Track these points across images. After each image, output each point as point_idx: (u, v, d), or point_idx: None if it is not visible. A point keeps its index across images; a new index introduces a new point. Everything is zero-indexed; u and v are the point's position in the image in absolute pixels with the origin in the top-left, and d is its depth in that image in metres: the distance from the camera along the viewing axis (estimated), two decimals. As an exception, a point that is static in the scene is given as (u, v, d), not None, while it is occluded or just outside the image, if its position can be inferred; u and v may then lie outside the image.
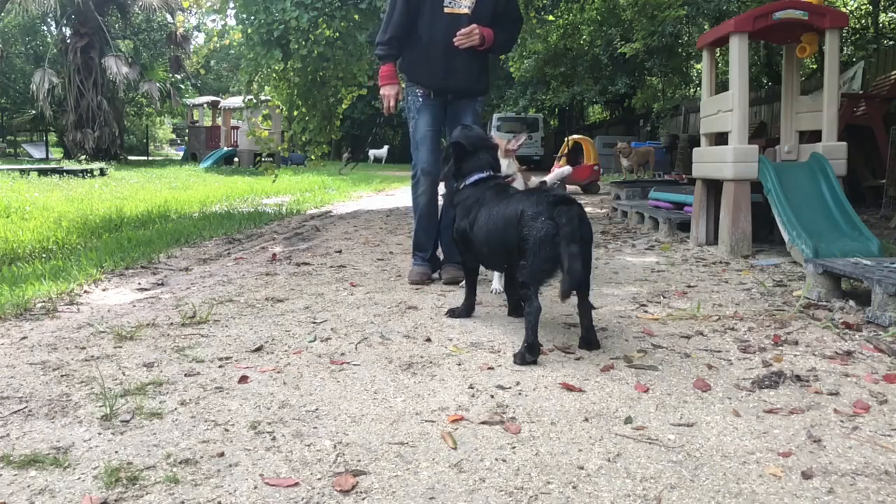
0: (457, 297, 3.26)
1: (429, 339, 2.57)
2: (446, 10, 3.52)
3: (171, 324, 2.78)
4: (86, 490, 1.43)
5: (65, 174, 12.85)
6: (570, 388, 2.04)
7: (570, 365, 2.27)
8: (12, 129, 29.76)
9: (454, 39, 3.49)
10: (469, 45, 3.51)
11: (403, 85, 3.87)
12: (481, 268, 2.96)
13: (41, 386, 2.05)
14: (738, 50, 4.38)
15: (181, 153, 32.92)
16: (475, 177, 2.85)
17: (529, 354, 2.26)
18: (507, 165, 3.41)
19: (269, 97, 9.40)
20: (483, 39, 3.52)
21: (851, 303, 2.99)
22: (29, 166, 14.30)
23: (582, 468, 1.54)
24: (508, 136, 3.60)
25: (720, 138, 4.85)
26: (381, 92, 3.73)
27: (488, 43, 3.56)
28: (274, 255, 4.65)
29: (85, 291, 3.41)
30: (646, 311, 3.03)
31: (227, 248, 5.06)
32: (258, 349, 2.44)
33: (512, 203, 2.49)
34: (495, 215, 2.56)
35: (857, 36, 15.37)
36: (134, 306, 3.11)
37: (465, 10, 3.52)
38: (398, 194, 11.44)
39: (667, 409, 1.89)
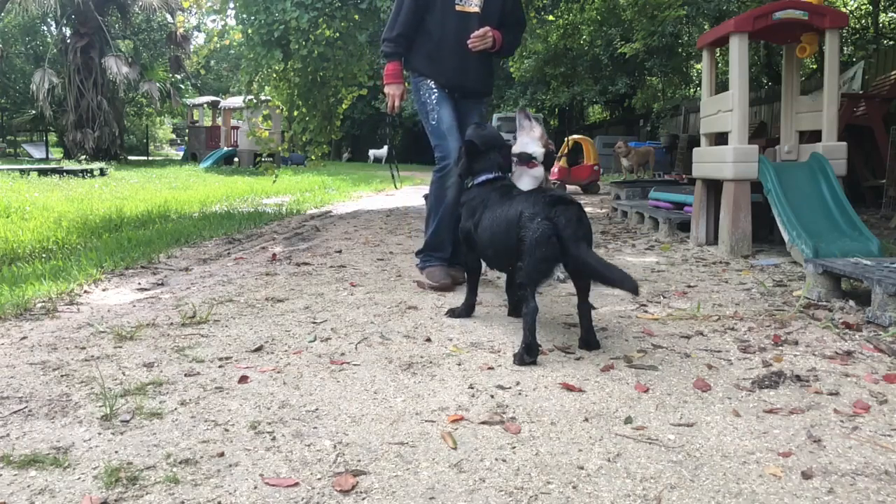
0: (457, 297, 3.26)
1: (429, 339, 2.57)
2: (457, 7, 3.47)
3: (171, 324, 2.78)
4: (86, 490, 1.43)
5: (65, 174, 12.85)
6: (570, 388, 2.04)
7: (570, 365, 2.27)
8: (12, 129, 29.75)
9: (468, 42, 3.45)
10: (482, 48, 3.48)
11: (408, 84, 3.81)
12: (483, 267, 2.97)
13: (41, 386, 2.05)
14: (738, 50, 4.38)
15: (181, 153, 32.91)
16: (482, 177, 2.85)
17: (528, 355, 2.26)
18: (541, 155, 3.40)
19: (269, 97, 9.40)
20: (494, 42, 3.50)
21: (851, 303, 2.99)
22: (29, 166, 14.30)
23: (582, 468, 1.54)
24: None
25: (720, 138, 4.85)
26: (386, 90, 3.60)
27: (498, 45, 3.53)
28: (274, 255, 4.65)
29: (85, 291, 3.41)
30: (646, 311, 3.03)
31: (227, 248, 5.06)
32: (258, 349, 2.44)
33: (513, 204, 2.50)
34: (498, 217, 2.57)
35: (857, 36, 15.38)
36: (134, 306, 3.11)
37: (476, 9, 3.49)
38: (398, 194, 11.44)
39: (667, 409, 1.89)
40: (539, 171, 3.38)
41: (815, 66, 13.91)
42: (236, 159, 21.50)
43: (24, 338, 2.57)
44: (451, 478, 1.50)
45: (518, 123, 3.50)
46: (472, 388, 2.05)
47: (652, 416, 1.84)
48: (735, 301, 3.21)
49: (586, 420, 1.81)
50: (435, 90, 3.56)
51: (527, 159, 3.35)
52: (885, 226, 5.53)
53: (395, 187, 4.38)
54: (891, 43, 14.02)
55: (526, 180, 3.33)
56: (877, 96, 7.12)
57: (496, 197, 2.69)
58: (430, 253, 3.59)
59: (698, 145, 5.17)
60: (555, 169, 10.77)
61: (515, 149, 3.39)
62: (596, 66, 19.67)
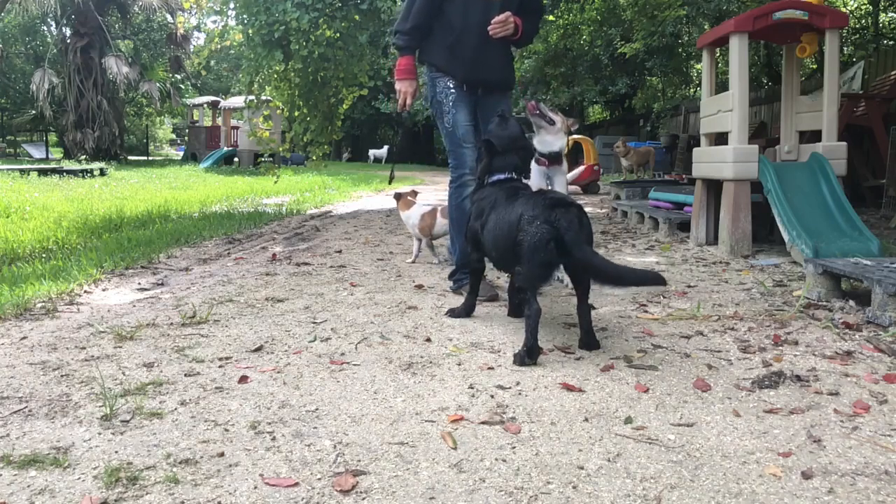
0: (457, 297, 3.26)
1: (429, 339, 2.57)
2: None
3: (171, 324, 2.78)
4: (86, 490, 1.44)
5: (65, 174, 12.84)
6: (570, 388, 2.04)
7: (570, 365, 2.27)
8: (12, 129, 29.74)
9: (489, 28, 3.22)
10: (503, 35, 3.25)
11: (422, 84, 3.65)
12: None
13: (41, 386, 2.05)
14: (738, 50, 4.37)
15: (181, 153, 32.89)
16: (495, 177, 2.83)
17: (529, 357, 2.26)
18: (561, 146, 3.46)
19: (270, 98, 9.39)
20: (516, 29, 3.26)
21: (851, 303, 2.99)
22: (29, 166, 14.29)
23: (582, 468, 1.54)
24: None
25: (720, 138, 4.85)
26: (397, 87, 3.35)
27: (519, 32, 3.29)
28: (274, 255, 4.65)
29: (85, 291, 3.41)
30: (646, 311, 3.03)
31: (227, 248, 5.06)
32: (258, 349, 2.44)
33: (515, 207, 2.48)
34: (502, 219, 2.55)
35: (857, 36, 15.37)
36: (134, 306, 3.11)
37: None
38: (398, 194, 11.44)
39: (667, 409, 1.89)
40: (565, 165, 3.52)
41: (815, 66, 13.91)
42: (236, 159, 21.51)
43: (24, 338, 2.57)
44: (451, 478, 1.50)
45: (535, 124, 3.51)
46: (472, 388, 2.05)
47: (652, 416, 1.84)
48: (735, 301, 3.21)
49: (586, 420, 1.81)
50: (453, 90, 3.33)
51: (557, 159, 3.42)
52: (885, 226, 5.52)
53: (389, 183, 4.44)
54: (891, 43, 14.02)
55: (559, 178, 3.47)
56: (877, 96, 7.12)
57: (503, 198, 2.66)
58: (464, 271, 3.34)
59: (698, 145, 5.17)
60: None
61: (541, 149, 3.44)
62: (596, 66, 19.65)
